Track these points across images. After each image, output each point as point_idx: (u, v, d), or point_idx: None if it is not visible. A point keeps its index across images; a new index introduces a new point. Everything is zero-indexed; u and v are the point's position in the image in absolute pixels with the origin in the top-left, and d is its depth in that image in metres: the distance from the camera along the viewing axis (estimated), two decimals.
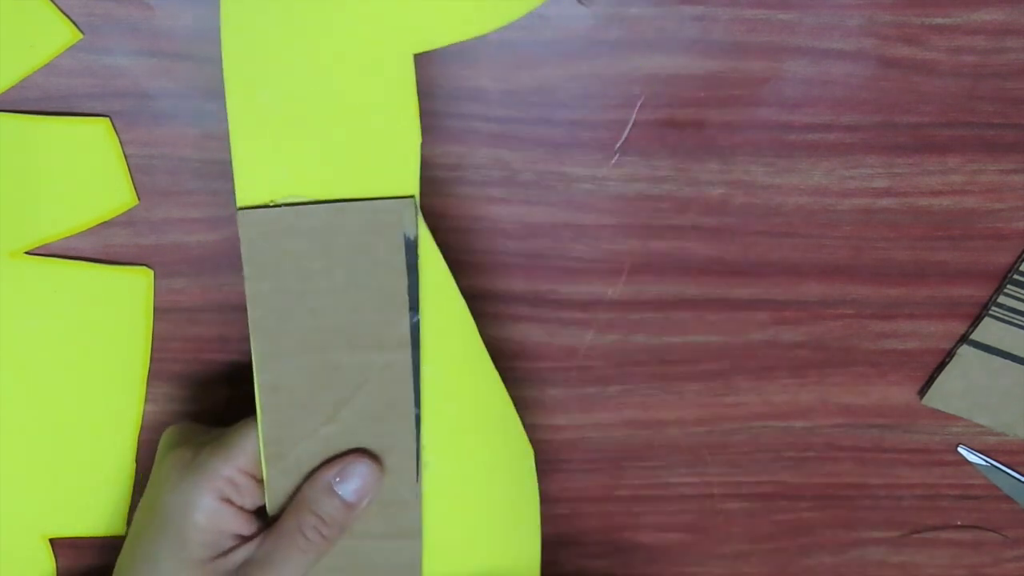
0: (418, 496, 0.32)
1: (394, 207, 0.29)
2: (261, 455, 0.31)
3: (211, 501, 0.31)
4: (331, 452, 0.31)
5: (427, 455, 0.32)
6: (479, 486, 0.34)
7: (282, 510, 0.32)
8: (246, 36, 0.28)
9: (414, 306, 0.30)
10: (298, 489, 0.32)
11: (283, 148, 0.29)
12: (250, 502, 0.32)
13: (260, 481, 0.32)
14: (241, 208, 0.29)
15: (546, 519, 0.42)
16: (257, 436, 0.31)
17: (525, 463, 0.34)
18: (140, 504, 0.33)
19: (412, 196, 0.29)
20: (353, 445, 0.31)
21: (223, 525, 0.31)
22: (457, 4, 0.28)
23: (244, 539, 0.32)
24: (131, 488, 0.40)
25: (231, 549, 0.31)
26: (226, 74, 0.29)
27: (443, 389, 0.31)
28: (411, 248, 0.29)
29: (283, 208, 0.29)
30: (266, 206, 0.29)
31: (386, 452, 0.31)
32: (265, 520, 0.32)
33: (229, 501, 0.31)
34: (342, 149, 0.29)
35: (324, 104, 0.29)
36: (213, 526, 0.31)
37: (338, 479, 0.30)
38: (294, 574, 0.31)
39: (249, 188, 0.29)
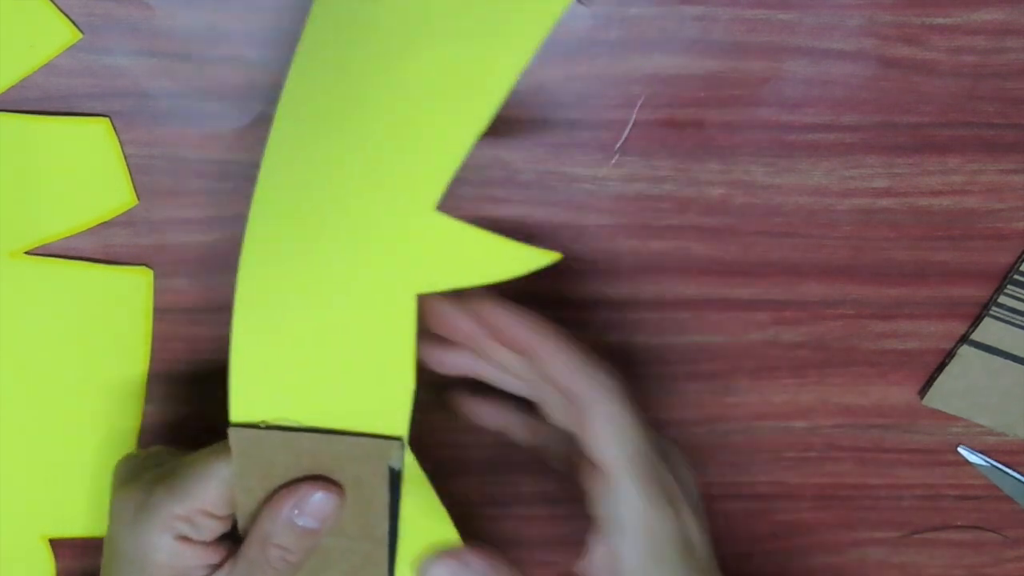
0: None
1: (381, 446, 0.30)
2: None
3: (169, 541, 0.30)
4: None
5: None
6: None
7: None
8: (264, 270, 0.29)
9: (394, 515, 0.31)
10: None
11: (281, 372, 0.30)
12: (210, 534, 0.31)
13: (217, 518, 0.31)
14: (234, 424, 0.30)
15: (546, 520, 0.42)
16: (213, 475, 0.31)
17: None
18: (104, 541, 0.33)
19: (400, 438, 0.30)
20: None
21: (186, 561, 0.31)
22: (465, 253, 0.28)
23: (212, 567, 0.31)
24: None
25: None
26: (238, 293, 0.30)
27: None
28: (397, 477, 0.31)
29: (274, 431, 0.30)
30: (257, 426, 0.30)
31: None
32: (232, 541, 0.32)
33: (187, 539, 0.31)
34: (338, 381, 0.30)
35: (326, 336, 0.29)
36: (175, 563, 0.30)
37: (296, 512, 0.30)
38: None
39: (243, 405, 0.30)
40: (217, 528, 0.31)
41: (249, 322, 0.30)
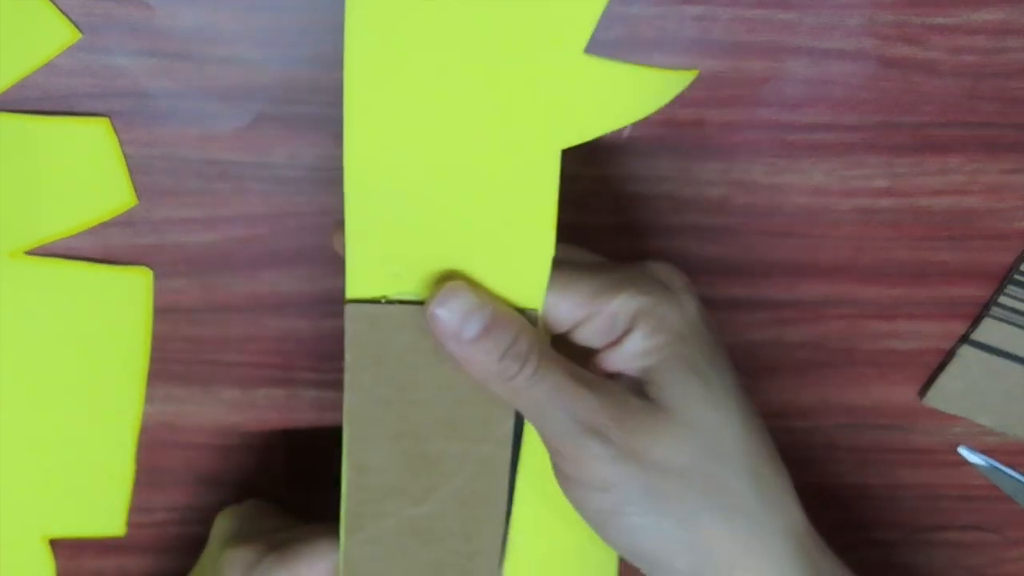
0: None
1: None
2: (341, 528, 0.30)
3: None
4: (415, 531, 0.30)
5: (514, 541, 0.31)
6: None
7: None
8: (371, 124, 0.26)
9: (519, 414, 0.29)
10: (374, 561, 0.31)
11: (401, 246, 0.27)
12: None
13: None
14: (350, 301, 0.28)
15: None
16: (323, 551, 0.31)
17: (608, 562, 0.33)
18: None
19: (536, 310, 0.28)
20: (438, 526, 0.30)
21: None
22: (608, 92, 0.26)
23: None
24: (131, 488, 0.40)
25: None
26: (347, 145, 0.26)
27: (536, 487, 0.31)
28: None
29: (395, 305, 0.27)
30: (376, 301, 0.28)
31: (472, 535, 0.31)
32: None
33: None
34: (467, 249, 0.27)
35: (454, 198, 0.27)
36: None
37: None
38: None
39: (360, 281, 0.27)
40: None
41: (363, 182, 0.26)
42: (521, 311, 0.27)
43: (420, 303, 0.27)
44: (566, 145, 0.26)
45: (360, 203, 0.27)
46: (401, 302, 0.27)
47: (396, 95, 0.26)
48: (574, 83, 0.26)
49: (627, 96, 0.26)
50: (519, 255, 0.27)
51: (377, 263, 0.27)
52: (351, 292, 0.28)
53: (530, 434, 0.30)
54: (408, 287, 0.27)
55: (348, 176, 0.26)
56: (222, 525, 0.34)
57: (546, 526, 0.31)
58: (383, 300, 0.28)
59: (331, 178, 0.36)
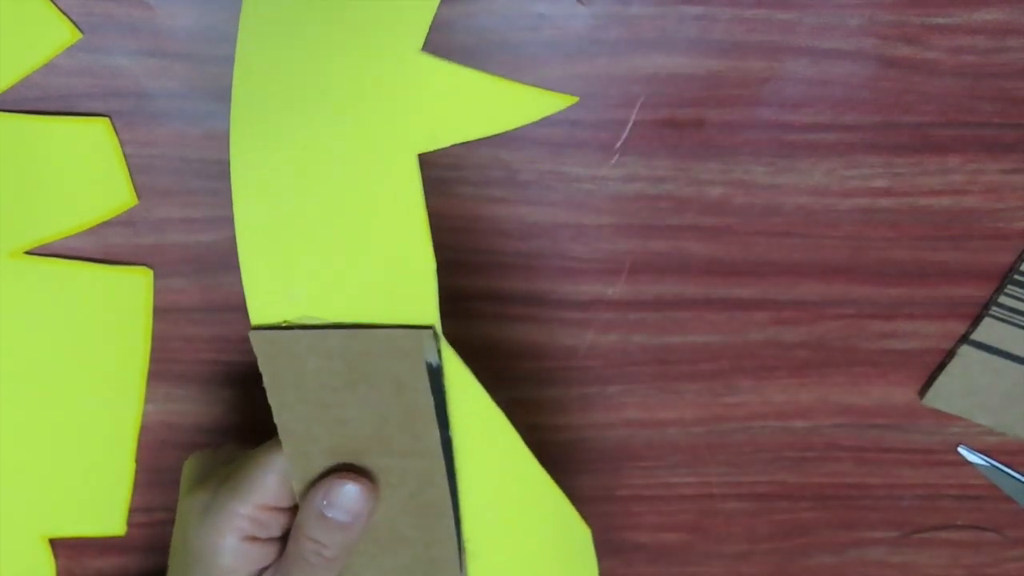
0: None
1: (413, 337, 0.27)
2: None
3: (234, 542, 0.30)
4: (375, 539, 0.31)
5: (474, 547, 0.31)
6: (535, 570, 0.33)
7: None
8: (254, 152, 0.27)
9: (444, 424, 0.29)
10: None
11: (295, 267, 0.28)
12: (279, 529, 0.31)
13: (282, 510, 0.31)
14: (255, 328, 0.28)
15: None
16: (272, 468, 0.31)
17: (581, 544, 0.33)
18: (172, 541, 0.33)
19: (431, 327, 0.28)
20: (395, 535, 0.31)
21: (252, 563, 0.30)
22: (466, 100, 0.26)
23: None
24: (131, 488, 0.40)
25: None
26: (234, 191, 0.27)
27: (483, 494, 0.31)
28: (435, 374, 0.28)
29: (297, 331, 0.28)
30: (279, 327, 0.28)
31: (430, 543, 0.31)
32: None
33: (254, 538, 0.30)
34: (353, 268, 0.27)
35: (331, 216, 0.27)
36: (241, 566, 0.30)
37: (325, 503, 0.29)
38: None
39: (261, 307, 0.28)
40: (283, 522, 0.31)
41: (250, 212, 0.27)
42: (417, 328, 0.27)
43: (321, 327, 0.28)
44: (420, 150, 0.26)
45: (249, 231, 0.27)
46: (303, 326, 0.28)
47: (275, 110, 0.27)
48: (417, 86, 0.26)
49: (486, 106, 0.26)
50: (402, 269, 0.27)
51: (272, 287, 0.28)
52: (254, 318, 0.28)
53: (463, 453, 0.30)
54: (307, 310, 0.28)
55: (237, 210, 0.27)
56: (185, 474, 0.34)
57: (505, 527, 0.32)
58: (284, 324, 0.28)
59: None
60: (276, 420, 0.29)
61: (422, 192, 0.26)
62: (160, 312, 0.38)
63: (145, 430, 0.39)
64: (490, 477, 0.30)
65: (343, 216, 0.27)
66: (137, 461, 0.39)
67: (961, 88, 0.36)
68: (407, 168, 0.26)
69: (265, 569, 0.31)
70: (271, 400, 0.29)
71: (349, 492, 0.29)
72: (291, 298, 0.28)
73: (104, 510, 0.40)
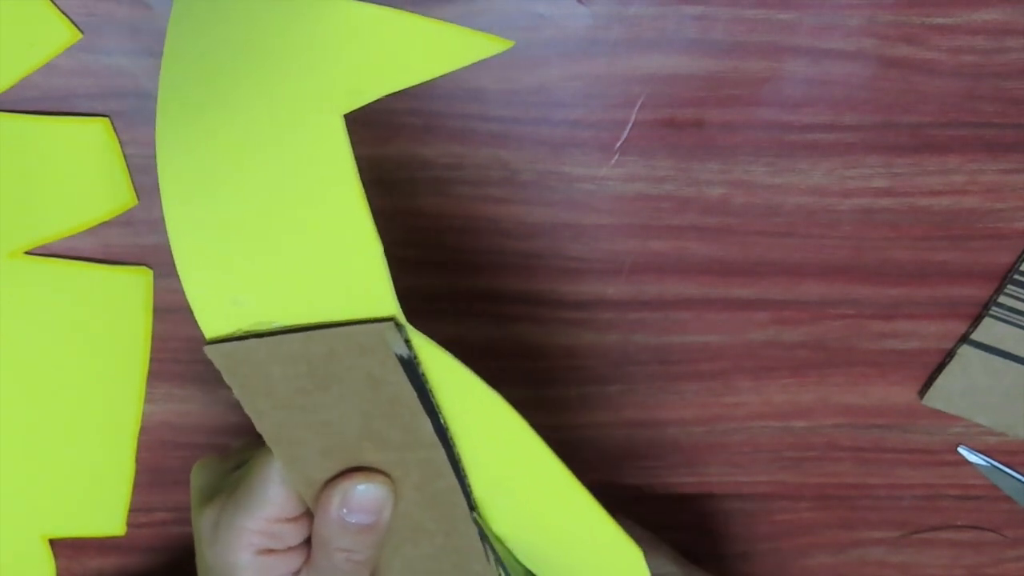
0: (493, 573, 0.30)
1: (372, 332, 0.25)
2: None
3: (249, 558, 0.29)
4: (396, 531, 0.30)
5: (499, 531, 0.30)
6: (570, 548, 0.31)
7: None
8: (179, 148, 0.25)
9: (432, 412, 0.27)
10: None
11: (235, 270, 0.25)
12: (294, 538, 0.30)
13: (294, 520, 0.30)
14: (209, 342, 0.25)
15: None
16: (274, 480, 0.29)
17: (630, 564, 0.30)
18: (195, 558, 0.32)
19: (391, 318, 0.25)
20: (414, 526, 0.30)
21: (274, 572, 0.30)
22: (389, 45, 0.23)
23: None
24: (131, 488, 0.40)
25: None
26: (163, 195, 0.25)
27: (494, 479, 0.29)
28: (410, 364, 0.26)
29: (252, 340, 0.25)
30: (234, 337, 0.25)
31: (449, 532, 0.30)
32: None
33: (271, 551, 0.29)
34: (296, 264, 0.25)
35: (264, 209, 0.24)
36: None
37: (345, 510, 0.28)
38: None
39: (211, 319, 0.25)
40: (299, 530, 0.30)
41: (180, 217, 0.25)
42: (376, 321, 0.25)
43: (276, 333, 0.25)
44: (344, 109, 0.23)
45: (180, 233, 0.25)
46: (258, 334, 0.26)
47: (197, 98, 0.24)
48: (333, 36, 0.23)
49: (410, 51, 0.23)
50: (346, 257, 0.24)
51: (218, 296, 0.25)
52: (207, 332, 0.26)
53: (462, 438, 0.28)
54: (258, 316, 0.25)
55: (168, 215, 0.25)
56: (194, 483, 0.33)
57: (527, 513, 0.30)
58: (239, 335, 0.26)
59: None
60: (259, 430, 0.27)
61: (354, 164, 0.23)
62: (160, 312, 0.38)
63: (145, 430, 0.39)
64: (499, 462, 0.28)
65: (274, 206, 0.24)
66: (137, 461, 0.39)
67: (961, 88, 0.36)
68: (333, 135, 0.23)
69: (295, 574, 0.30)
70: (248, 411, 0.27)
71: (366, 493, 0.28)
72: (238, 305, 0.25)
73: (104, 510, 0.40)
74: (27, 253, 0.36)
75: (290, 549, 0.30)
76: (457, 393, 0.27)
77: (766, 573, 0.44)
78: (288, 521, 0.30)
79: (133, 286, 0.37)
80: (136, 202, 0.36)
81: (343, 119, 0.23)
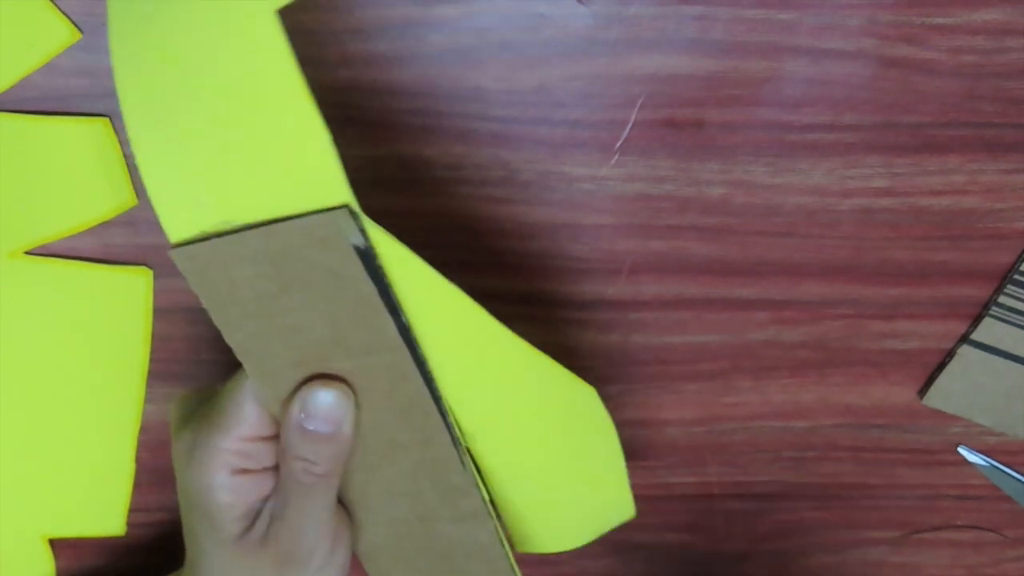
0: (471, 481, 0.30)
1: (326, 221, 0.25)
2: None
3: (225, 478, 0.29)
4: (369, 448, 0.29)
5: (474, 438, 0.30)
6: (549, 445, 0.32)
7: None
8: (130, 54, 0.25)
9: (394, 310, 0.27)
10: None
11: (194, 170, 0.25)
12: (269, 458, 0.30)
13: (268, 439, 0.29)
14: (175, 245, 0.26)
15: None
16: (248, 398, 0.29)
17: (588, 402, 0.32)
18: (178, 491, 0.32)
19: (344, 205, 0.25)
20: (385, 442, 0.29)
21: (249, 495, 0.29)
22: None
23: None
24: (131, 488, 0.40)
25: (261, 510, 0.30)
26: (121, 102, 0.25)
27: (462, 379, 0.29)
28: (367, 255, 0.26)
29: (215, 240, 0.26)
30: (195, 240, 0.26)
31: (424, 444, 0.29)
32: None
33: (244, 470, 0.29)
34: (248, 159, 0.25)
35: (211, 106, 0.25)
36: (238, 500, 0.29)
37: (303, 416, 0.28)
38: (313, 518, 0.29)
39: (175, 223, 0.26)
40: (274, 450, 0.30)
41: (137, 121, 0.25)
42: (330, 210, 0.25)
43: (236, 231, 0.26)
44: (276, 4, 0.24)
45: (140, 137, 0.25)
46: (220, 234, 0.26)
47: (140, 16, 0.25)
48: None
49: None
50: (294, 147, 0.25)
51: (179, 197, 0.26)
52: (171, 235, 0.26)
53: (427, 337, 0.28)
54: (220, 215, 0.26)
55: (128, 117, 0.25)
56: (172, 415, 0.33)
57: (499, 409, 0.30)
58: (202, 236, 0.26)
59: None
60: (228, 342, 0.27)
61: (291, 54, 0.24)
62: (160, 312, 0.38)
63: (145, 430, 0.39)
64: (464, 359, 0.28)
65: (223, 106, 0.25)
66: (137, 461, 0.39)
67: (961, 88, 0.36)
68: (266, 28, 0.24)
69: (267, 498, 0.30)
70: (216, 321, 0.27)
71: (324, 399, 0.28)
72: (200, 205, 0.25)
73: (104, 510, 0.40)
74: (27, 253, 0.36)
75: (265, 470, 0.30)
76: (415, 287, 0.27)
77: (766, 573, 0.44)
78: (262, 440, 0.29)
79: (133, 286, 0.37)
80: (136, 202, 0.36)
81: (276, 14, 0.24)
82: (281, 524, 0.29)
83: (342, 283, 0.26)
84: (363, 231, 0.26)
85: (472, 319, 0.28)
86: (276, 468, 0.30)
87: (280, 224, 0.25)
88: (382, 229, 0.26)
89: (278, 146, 0.25)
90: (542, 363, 0.30)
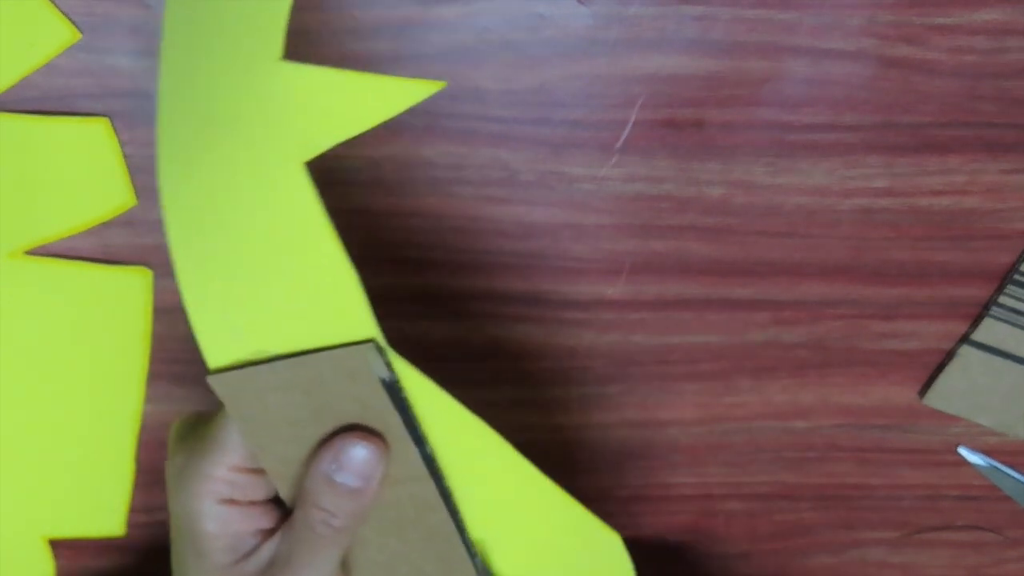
0: None
1: (354, 354, 0.27)
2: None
3: (213, 506, 0.29)
4: (390, 570, 0.30)
5: (498, 573, 0.31)
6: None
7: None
8: (178, 186, 0.27)
9: (419, 440, 0.28)
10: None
11: (233, 305, 0.27)
12: (260, 493, 0.30)
13: (255, 472, 0.29)
14: (212, 372, 0.28)
15: None
16: (232, 427, 0.30)
17: (612, 548, 0.32)
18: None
19: (371, 340, 0.27)
20: (412, 565, 0.30)
21: (236, 526, 0.29)
22: (336, 100, 0.26)
23: (268, 532, 0.30)
24: (131, 489, 0.40)
25: (256, 548, 0.29)
26: (168, 231, 0.28)
27: (484, 511, 0.30)
28: (392, 388, 0.27)
29: (250, 368, 0.27)
30: (232, 367, 0.27)
31: (448, 571, 0.30)
32: (286, 508, 0.30)
33: (233, 501, 0.29)
34: (281, 294, 0.27)
35: (250, 243, 0.27)
36: (225, 530, 0.29)
37: (334, 466, 0.28)
38: (318, 571, 0.29)
39: (215, 349, 0.28)
40: (260, 485, 0.29)
41: (183, 250, 0.27)
42: (357, 344, 0.27)
43: (269, 360, 0.27)
44: (304, 158, 0.26)
45: (190, 275, 0.27)
46: (255, 363, 0.27)
47: (189, 138, 0.27)
48: (283, 95, 0.26)
49: (355, 103, 0.26)
50: (324, 285, 0.27)
51: (219, 326, 0.28)
52: (210, 362, 0.28)
53: (451, 468, 0.29)
54: (255, 345, 0.28)
55: (176, 256, 0.27)
56: (171, 437, 0.32)
57: (524, 546, 0.31)
58: (239, 364, 0.27)
59: (327, 178, 0.36)
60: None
61: (319, 202, 0.26)
62: (160, 312, 0.38)
63: (145, 430, 0.39)
64: (487, 494, 0.30)
65: (258, 244, 0.27)
66: (137, 461, 0.39)
67: (961, 88, 0.36)
68: (296, 180, 0.26)
69: (269, 534, 0.30)
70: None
71: (360, 454, 0.28)
72: (237, 336, 0.27)
73: (104, 510, 0.40)
74: (27, 253, 0.36)
75: (252, 504, 0.30)
76: (440, 420, 0.28)
77: (766, 573, 0.44)
78: (250, 472, 0.29)
79: (133, 286, 0.37)
80: (136, 202, 0.36)
81: (304, 167, 0.26)
82: (285, 570, 0.29)
83: (369, 413, 0.27)
84: (388, 364, 0.27)
85: (497, 454, 0.29)
86: (264, 504, 0.30)
87: (311, 355, 0.27)
88: (407, 362, 0.27)
89: (310, 284, 0.27)
90: (567, 505, 0.31)
